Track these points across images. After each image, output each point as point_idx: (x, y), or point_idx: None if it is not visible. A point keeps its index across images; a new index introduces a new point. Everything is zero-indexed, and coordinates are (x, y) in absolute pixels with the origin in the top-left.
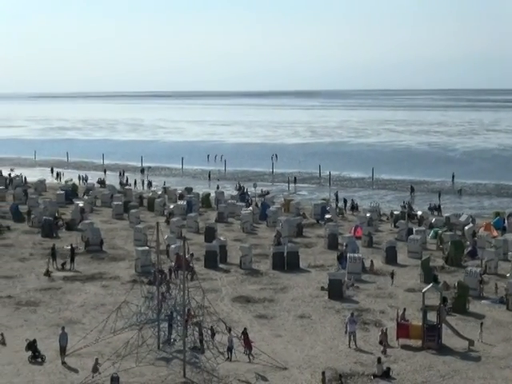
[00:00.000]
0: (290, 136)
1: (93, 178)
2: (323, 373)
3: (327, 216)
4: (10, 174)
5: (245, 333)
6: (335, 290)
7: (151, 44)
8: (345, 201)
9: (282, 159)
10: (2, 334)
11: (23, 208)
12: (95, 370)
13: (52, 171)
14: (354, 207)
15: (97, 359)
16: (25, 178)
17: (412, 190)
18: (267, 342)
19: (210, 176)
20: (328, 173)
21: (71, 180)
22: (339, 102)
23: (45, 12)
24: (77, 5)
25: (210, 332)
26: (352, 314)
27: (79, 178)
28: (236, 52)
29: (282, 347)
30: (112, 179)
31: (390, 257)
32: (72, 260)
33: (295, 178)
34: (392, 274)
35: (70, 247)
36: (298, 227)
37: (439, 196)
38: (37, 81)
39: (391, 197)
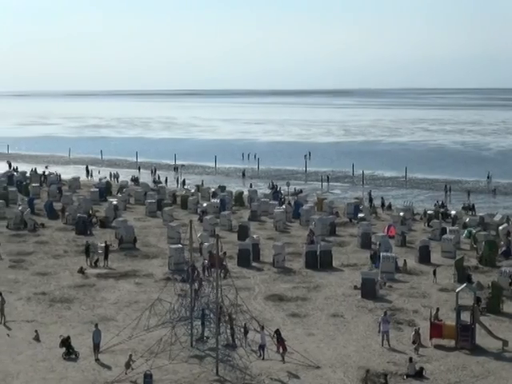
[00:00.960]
0: (323, 135)
1: (126, 175)
2: (367, 371)
3: (360, 215)
4: (44, 172)
5: (278, 333)
6: (368, 289)
7: (184, 42)
8: (382, 201)
9: (315, 158)
10: (36, 331)
11: (57, 205)
12: (128, 366)
13: (87, 169)
14: (384, 205)
15: (130, 355)
16: (59, 176)
17: (447, 189)
18: (300, 340)
19: (244, 174)
20: (361, 172)
21: (105, 178)
22: (373, 101)
23: (81, 12)
24: (115, 3)
25: (242, 330)
26: (385, 314)
27: (110, 175)
28: (269, 50)
29: (315, 346)
30: (146, 177)
31: (424, 256)
32: (106, 257)
33: (328, 176)
34: (434, 272)
35: (104, 244)
36: (331, 226)
37: (468, 195)
38: (72, 79)
39: (424, 196)
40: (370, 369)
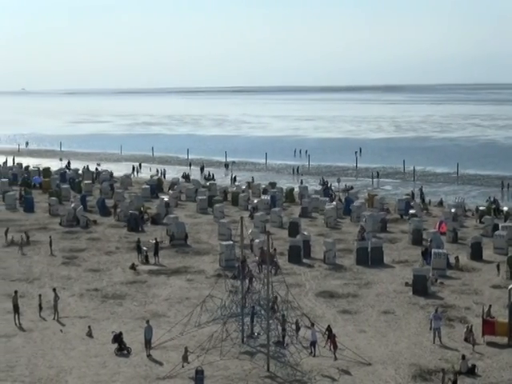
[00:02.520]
0: (373, 131)
1: (178, 172)
2: (443, 370)
3: (411, 211)
4: (96, 169)
5: (329, 330)
6: (420, 286)
7: (235, 40)
8: (422, 196)
9: (366, 154)
10: (89, 327)
11: (109, 202)
12: (185, 359)
13: (140, 166)
14: (424, 200)
15: (186, 348)
16: (111, 173)
17: (504, 185)
18: (351, 337)
19: (298, 171)
20: (412, 168)
21: (156, 174)
22: (423, 97)
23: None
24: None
25: (294, 327)
26: (436, 310)
27: (157, 172)
28: (317, 48)
29: (366, 343)
30: (196, 174)
31: (476, 253)
32: (156, 254)
33: (378, 172)
34: (498, 266)
35: (154, 241)
36: (382, 222)
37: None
38: (123, 76)
39: (476, 192)
40: (411, 367)
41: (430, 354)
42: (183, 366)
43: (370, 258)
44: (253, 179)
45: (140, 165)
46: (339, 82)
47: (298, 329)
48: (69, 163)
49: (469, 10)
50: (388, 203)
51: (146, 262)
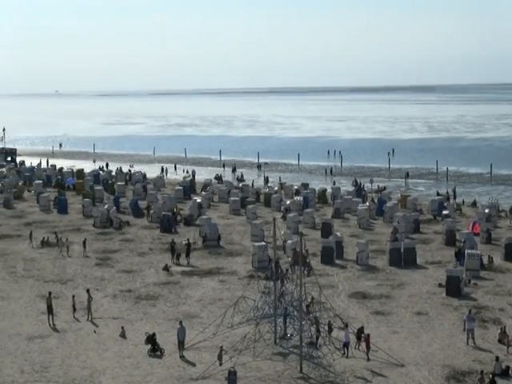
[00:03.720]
0: (406, 131)
1: (211, 173)
2: (481, 372)
3: (445, 212)
4: (129, 170)
5: (361, 331)
6: (453, 287)
7: (267, 42)
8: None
9: (399, 155)
10: (122, 328)
11: (142, 203)
12: (220, 357)
13: (175, 168)
14: (455, 198)
15: (221, 347)
16: (144, 174)
17: None
18: (384, 338)
19: (331, 171)
20: (445, 168)
21: (189, 176)
22: (456, 97)
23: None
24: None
25: (326, 328)
26: (470, 312)
27: (187, 173)
28: (349, 47)
29: (399, 344)
30: (228, 175)
31: (510, 254)
32: (187, 255)
33: (407, 173)
34: None
35: (186, 242)
36: (414, 223)
37: None
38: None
39: (510, 192)
40: (444, 369)
41: (463, 356)
42: (220, 365)
43: (403, 258)
44: (280, 179)
45: (175, 166)
46: (370, 83)
47: (330, 330)
48: (107, 165)
49: (502, 6)
50: (421, 204)
51: (178, 262)
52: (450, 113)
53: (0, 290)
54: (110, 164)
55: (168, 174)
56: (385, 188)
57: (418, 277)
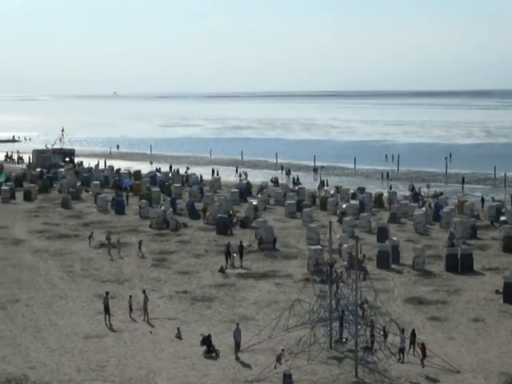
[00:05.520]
0: (464, 136)
1: (267, 176)
2: None
3: (502, 218)
4: (186, 172)
5: (414, 334)
6: (511, 294)
7: (324, 44)
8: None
9: (456, 159)
10: (178, 329)
11: (199, 205)
12: (279, 359)
13: (237, 170)
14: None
15: (283, 349)
16: (200, 176)
17: None
18: (440, 344)
19: (387, 176)
20: (503, 174)
21: (245, 178)
22: None
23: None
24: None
25: (382, 332)
26: None
27: (240, 175)
28: (407, 50)
29: (455, 350)
30: (284, 178)
31: None
32: (241, 256)
33: (463, 178)
34: None
35: (239, 244)
36: (472, 229)
37: None
38: (211, 81)
39: None
40: (500, 376)
41: None
42: (280, 364)
43: (460, 264)
44: (326, 182)
45: (237, 169)
46: (427, 87)
47: (385, 335)
48: (170, 167)
49: None
50: (478, 209)
51: (233, 265)
52: (509, 118)
53: (58, 289)
54: (166, 165)
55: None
56: (441, 193)
57: (474, 283)
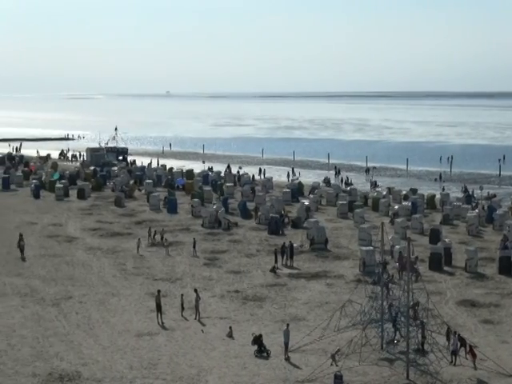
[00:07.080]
0: None
1: (319, 177)
2: None
3: None
4: (238, 172)
5: (460, 337)
6: None
7: (379, 45)
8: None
9: (510, 162)
10: (230, 328)
11: (251, 205)
12: (333, 358)
13: (293, 171)
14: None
15: (339, 349)
16: (253, 176)
17: None
18: (493, 347)
19: (440, 177)
20: None
21: (297, 178)
22: None
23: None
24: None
25: (434, 335)
26: None
27: (288, 174)
28: (464, 51)
29: (508, 354)
30: (333, 178)
31: None
32: (291, 257)
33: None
34: None
35: (288, 244)
36: None
37: None
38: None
39: None
40: None
41: None
42: (331, 365)
43: None
44: (374, 182)
45: (293, 169)
46: (483, 88)
47: (448, 338)
48: (228, 166)
49: None
50: None
51: (285, 264)
52: None
53: (111, 287)
54: (219, 165)
55: (264, 174)
56: (495, 195)
57: None
